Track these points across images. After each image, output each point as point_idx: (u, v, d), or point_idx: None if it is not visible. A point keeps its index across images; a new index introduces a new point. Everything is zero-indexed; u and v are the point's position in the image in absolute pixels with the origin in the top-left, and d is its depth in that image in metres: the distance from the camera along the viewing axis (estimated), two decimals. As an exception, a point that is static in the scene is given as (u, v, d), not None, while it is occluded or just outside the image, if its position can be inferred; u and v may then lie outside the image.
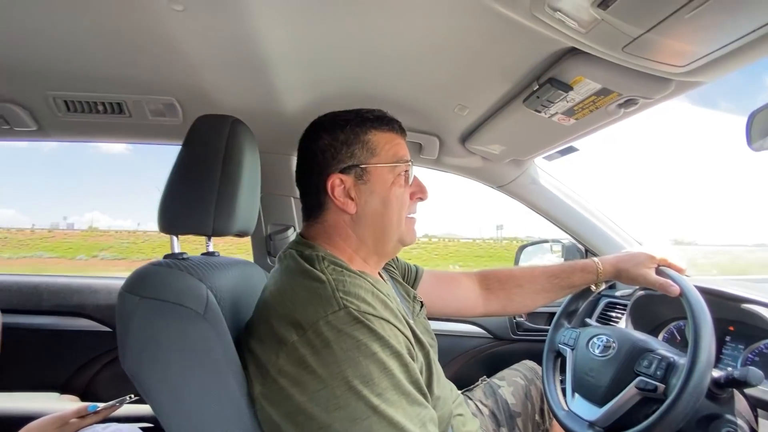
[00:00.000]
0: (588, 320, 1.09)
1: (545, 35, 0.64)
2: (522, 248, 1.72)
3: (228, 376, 0.56)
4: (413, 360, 0.57)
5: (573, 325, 1.05)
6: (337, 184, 0.66)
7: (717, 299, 0.91)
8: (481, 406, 0.99)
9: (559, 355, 1.01)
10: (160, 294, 0.56)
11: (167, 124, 1.12)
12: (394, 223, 0.69)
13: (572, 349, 0.96)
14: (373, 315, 0.54)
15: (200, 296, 0.57)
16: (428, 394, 0.56)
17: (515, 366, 1.13)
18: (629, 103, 0.76)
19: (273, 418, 0.52)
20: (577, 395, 0.91)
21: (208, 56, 0.86)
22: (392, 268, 0.91)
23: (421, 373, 0.59)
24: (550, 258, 1.57)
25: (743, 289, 0.92)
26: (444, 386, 0.67)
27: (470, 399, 1.00)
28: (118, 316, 0.57)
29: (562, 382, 0.97)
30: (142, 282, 0.58)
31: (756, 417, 0.79)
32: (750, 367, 0.71)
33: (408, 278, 0.96)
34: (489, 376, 1.10)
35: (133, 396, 0.97)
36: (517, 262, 1.66)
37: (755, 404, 0.80)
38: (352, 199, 0.67)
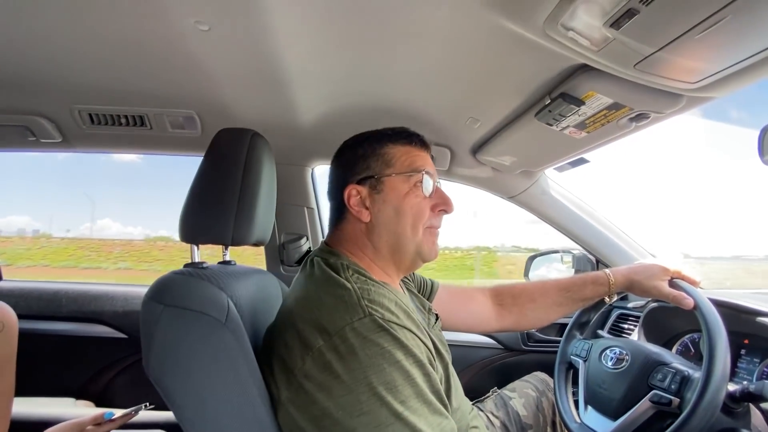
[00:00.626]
0: (600, 332, 1.09)
1: (557, 52, 0.66)
2: (532, 258, 1.70)
3: (249, 382, 0.57)
4: (434, 370, 0.58)
5: (585, 337, 1.05)
6: (354, 194, 0.70)
7: (731, 312, 0.91)
8: (492, 418, 0.98)
9: (571, 367, 1.01)
10: (183, 302, 0.58)
11: (186, 136, 1.16)
12: (408, 232, 0.69)
13: (584, 361, 0.96)
14: (396, 324, 0.55)
15: (221, 305, 0.59)
16: (449, 405, 0.57)
17: (526, 377, 1.12)
18: (640, 117, 0.77)
19: (298, 422, 0.53)
20: (590, 408, 0.90)
21: (229, 72, 0.89)
22: (408, 281, 0.92)
23: (441, 384, 0.60)
24: (559, 268, 1.56)
25: (758, 302, 0.92)
26: (461, 398, 0.68)
27: (481, 410, 1.00)
28: (142, 324, 0.59)
29: (575, 394, 0.97)
30: (165, 290, 0.60)
31: None
32: (766, 381, 0.71)
33: (423, 292, 0.96)
34: (500, 387, 1.09)
35: (149, 404, 0.98)
36: (527, 271, 1.65)
37: None
38: (367, 208, 0.69)
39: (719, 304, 0.85)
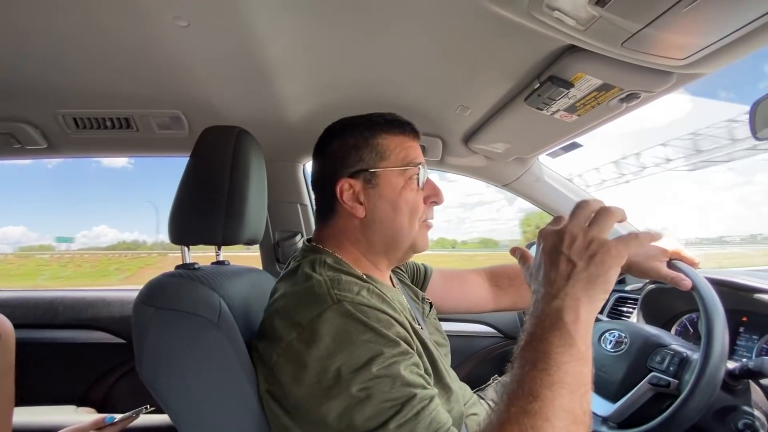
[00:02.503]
0: (599, 315, 1.09)
1: (544, 34, 0.65)
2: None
3: (243, 381, 0.57)
4: (413, 349, 0.56)
5: (584, 321, 1.05)
6: (346, 188, 0.67)
7: (729, 290, 0.90)
8: (494, 405, 0.98)
9: (572, 352, 1.01)
10: (175, 304, 0.57)
11: (174, 136, 1.14)
12: (405, 228, 0.68)
13: (584, 345, 0.96)
14: (367, 306, 0.54)
15: (213, 305, 0.58)
16: (428, 379, 0.55)
17: None
18: (631, 97, 0.76)
19: (276, 413, 0.54)
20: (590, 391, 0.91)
21: (212, 69, 0.88)
22: (400, 271, 0.92)
23: (429, 374, 0.59)
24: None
25: (755, 279, 0.92)
26: (456, 384, 0.67)
27: (483, 399, 1.00)
28: (134, 328, 0.58)
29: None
30: (156, 293, 0.59)
31: None
32: (765, 358, 0.71)
33: (417, 279, 0.96)
34: (501, 375, 1.09)
35: (149, 407, 0.98)
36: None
37: None
38: (361, 203, 0.67)
39: (717, 283, 0.85)
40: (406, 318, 0.62)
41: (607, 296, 0.49)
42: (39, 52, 0.82)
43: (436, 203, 0.72)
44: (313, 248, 0.70)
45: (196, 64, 0.85)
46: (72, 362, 1.32)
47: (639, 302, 1.16)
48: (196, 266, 0.69)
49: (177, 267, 0.69)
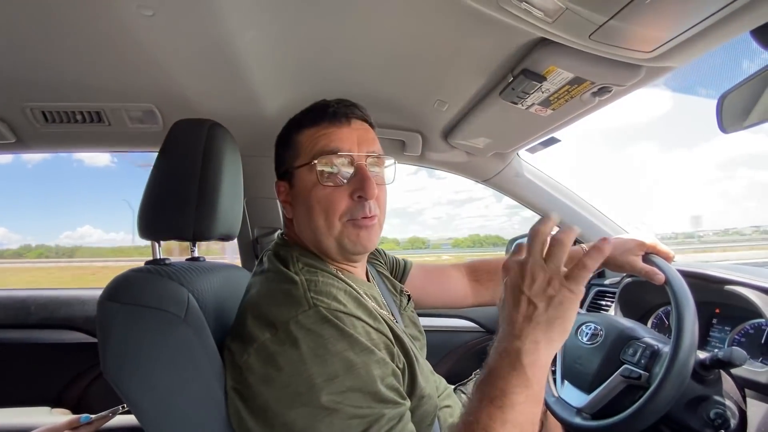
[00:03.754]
0: (578, 309, 1.10)
1: (515, 27, 0.64)
2: (513, 241, 1.72)
3: (211, 379, 0.56)
4: (392, 357, 0.57)
5: (563, 314, 1.06)
6: (281, 190, 0.70)
7: (701, 282, 0.92)
8: None
9: (550, 345, 1.01)
10: (140, 300, 0.56)
11: (148, 131, 1.12)
12: (322, 228, 0.63)
13: (561, 338, 0.97)
14: (343, 313, 0.54)
15: (180, 300, 0.57)
16: (402, 392, 0.56)
17: None
18: (603, 91, 0.77)
19: (241, 413, 0.52)
20: (566, 382, 0.92)
21: (183, 60, 0.86)
22: (379, 263, 0.91)
23: (404, 371, 0.59)
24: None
25: (727, 271, 0.93)
26: (429, 381, 0.67)
27: (463, 393, 1.00)
28: (98, 325, 0.57)
29: (554, 371, 0.98)
30: (121, 289, 0.58)
31: (744, 397, 0.80)
32: (734, 348, 0.72)
33: (396, 272, 0.96)
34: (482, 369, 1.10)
35: (125, 406, 0.96)
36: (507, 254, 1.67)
37: (743, 384, 0.80)
38: (291, 204, 0.69)
39: (690, 276, 0.86)
40: (381, 316, 0.62)
41: (565, 338, 0.51)
42: (4, 43, 0.80)
43: (363, 198, 0.62)
44: (284, 243, 0.70)
45: (166, 55, 0.83)
46: (46, 363, 1.29)
47: (617, 296, 1.17)
48: (166, 261, 0.68)
49: (147, 262, 0.68)
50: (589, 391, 0.83)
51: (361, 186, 0.62)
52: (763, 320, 0.85)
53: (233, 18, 0.72)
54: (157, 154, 0.70)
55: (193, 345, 0.56)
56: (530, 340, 0.49)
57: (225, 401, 0.55)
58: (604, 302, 1.30)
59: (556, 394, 0.91)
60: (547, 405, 0.91)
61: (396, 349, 0.59)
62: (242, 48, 0.81)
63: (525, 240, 1.59)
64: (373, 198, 0.62)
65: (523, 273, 0.51)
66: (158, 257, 0.69)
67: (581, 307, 1.26)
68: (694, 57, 0.65)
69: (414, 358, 0.62)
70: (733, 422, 0.75)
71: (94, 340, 1.30)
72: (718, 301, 0.97)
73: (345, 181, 0.63)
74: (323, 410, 0.48)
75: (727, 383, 0.79)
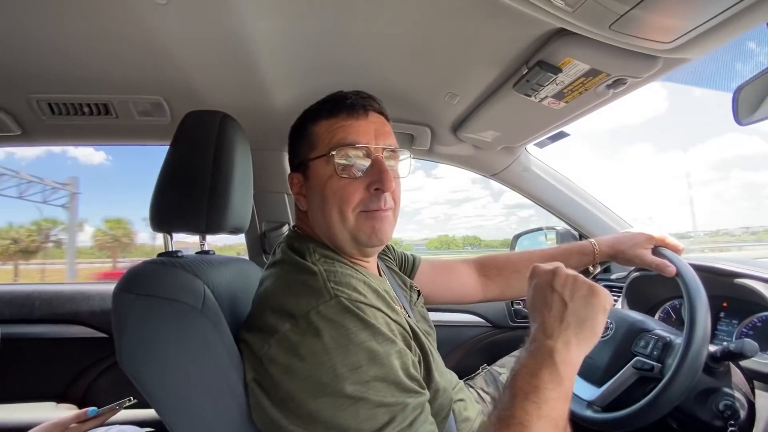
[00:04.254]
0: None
1: (533, 17, 0.64)
2: (517, 237, 1.73)
3: (230, 370, 0.56)
4: (410, 349, 0.57)
5: (571, 309, 1.06)
6: (294, 182, 0.69)
7: (710, 276, 0.92)
8: (483, 394, 0.99)
9: (559, 339, 1.02)
10: (155, 291, 0.56)
11: (155, 123, 1.11)
12: (336, 220, 0.62)
13: (570, 332, 0.97)
14: (364, 303, 0.54)
15: (197, 291, 0.57)
16: (422, 381, 0.56)
17: (515, 353, 1.13)
18: (618, 83, 0.77)
19: (263, 403, 0.52)
20: (577, 376, 0.92)
21: (194, 52, 0.85)
22: (389, 258, 0.91)
23: (420, 363, 0.59)
24: (544, 245, 1.58)
25: (735, 264, 0.94)
26: (444, 374, 0.67)
27: (472, 387, 1.01)
28: (114, 316, 0.56)
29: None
30: (137, 280, 0.57)
31: (752, 388, 0.80)
32: (745, 339, 0.72)
33: (405, 268, 0.96)
34: (489, 364, 1.10)
35: (133, 398, 0.96)
36: (512, 250, 1.67)
37: (751, 376, 0.81)
38: (305, 196, 0.68)
39: (699, 269, 0.86)
40: (398, 309, 0.62)
41: (596, 340, 0.55)
42: (10, 34, 0.79)
43: (380, 190, 0.62)
44: (298, 236, 0.69)
45: (177, 46, 0.83)
46: (51, 358, 1.29)
47: (624, 290, 1.18)
48: (179, 254, 0.68)
49: (159, 255, 0.67)
50: (600, 384, 0.84)
51: (379, 178, 0.61)
52: (770, 313, 0.86)
53: (247, 8, 0.72)
54: (163, 147, 0.69)
55: (211, 336, 0.56)
56: (562, 341, 0.52)
57: (244, 393, 0.55)
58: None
59: None
60: None
61: (412, 342, 0.59)
62: (254, 39, 0.81)
63: (528, 235, 1.59)
64: (390, 190, 0.62)
65: (555, 272, 0.57)
66: (171, 249, 0.69)
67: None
68: (711, 49, 0.65)
69: (429, 352, 0.62)
70: (742, 413, 0.75)
71: (100, 334, 1.30)
72: (725, 295, 0.97)
73: (361, 173, 0.62)
74: (348, 399, 0.48)
75: (736, 375, 0.79)
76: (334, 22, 0.77)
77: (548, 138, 1.19)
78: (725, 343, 0.77)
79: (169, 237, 0.70)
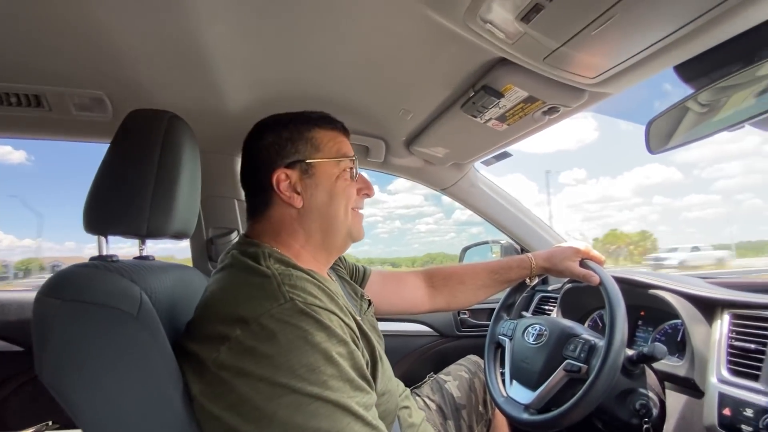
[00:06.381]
0: (525, 313, 1.18)
1: (479, 45, 0.70)
2: (465, 249, 1.81)
3: (167, 381, 0.53)
4: (360, 351, 0.58)
5: (511, 318, 1.13)
6: (283, 178, 0.67)
7: (629, 287, 1.03)
8: (428, 402, 1.01)
9: (500, 346, 1.07)
10: (85, 296, 0.51)
11: (94, 120, 1.04)
12: (341, 214, 0.70)
13: (510, 339, 1.03)
14: (319, 307, 0.55)
15: (133, 297, 0.53)
16: (372, 382, 0.58)
17: (460, 361, 1.18)
18: (552, 110, 0.85)
19: (214, 413, 0.50)
20: (515, 382, 0.97)
21: (143, 48, 0.81)
22: (340, 267, 0.92)
23: (367, 366, 0.60)
24: (490, 258, 1.66)
25: (650, 277, 1.05)
26: (391, 381, 0.69)
27: (418, 395, 1.03)
28: (34, 323, 0.51)
29: (503, 372, 1.03)
30: (64, 284, 0.53)
31: (663, 389, 0.90)
32: (656, 344, 0.81)
33: (356, 278, 0.97)
34: (436, 372, 1.13)
35: (51, 423, 0.87)
36: (460, 261, 1.74)
37: (663, 378, 0.90)
38: (298, 193, 0.68)
39: (619, 280, 0.96)
40: (351, 313, 0.63)
41: None
42: None
43: (368, 195, 0.76)
44: (250, 242, 0.68)
45: (124, 40, 0.79)
46: None
47: (558, 300, 1.27)
48: (113, 258, 0.63)
49: (91, 258, 0.63)
50: (535, 388, 0.89)
51: (368, 186, 0.76)
52: (679, 320, 0.97)
53: (203, 9, 0.71)
54: (103, 145, 0.65)
55: (147, 345, 0.53)
56: None
57: (185, 409, 0.53)
58: (547, 306, 1.40)
59: (504, 394, 0.96)
60: (496, 405, 0.95)
61: (361, 344, 0.60)
62: (209, 41, 0.79)
63: (475, 248, 1.67)
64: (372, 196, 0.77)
65: None
66: (104, 254, 0.65)
67: (527, 310, 1.35)
68: (628, 86, 0.74)
69: (378, 357, 0.63)
70: (655, 411, 0.83)
71: (15, 348, 1.17)
72: (642, 304, 1.08)
73: (354, 179, 0.73)
74: (307, 399, 0.48)
75: (650, 377, 0.88)
76: (294, 33, 0.78)
77: (493, 157, 1.27)
78: (641, 348, 0.86)
79: (104, 240, 0.65)
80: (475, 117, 0.92)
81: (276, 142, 0.69)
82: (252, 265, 0.59)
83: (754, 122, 0.65)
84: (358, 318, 0.66)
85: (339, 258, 0.94)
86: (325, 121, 0.73)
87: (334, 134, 0.72)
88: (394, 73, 0.90)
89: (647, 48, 0.60)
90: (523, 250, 1.50)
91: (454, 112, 0.96)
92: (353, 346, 0.55)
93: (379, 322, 0.87)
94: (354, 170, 0.73)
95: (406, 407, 0.82)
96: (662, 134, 0.80)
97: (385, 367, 0.69)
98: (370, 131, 1.18)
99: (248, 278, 0.58)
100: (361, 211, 0.76)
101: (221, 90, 0.98)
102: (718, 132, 0.71)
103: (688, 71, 0.69)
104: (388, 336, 0.87)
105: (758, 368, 0.79)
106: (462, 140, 1.12)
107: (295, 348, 0.50)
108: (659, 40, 0.58)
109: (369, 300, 0.87)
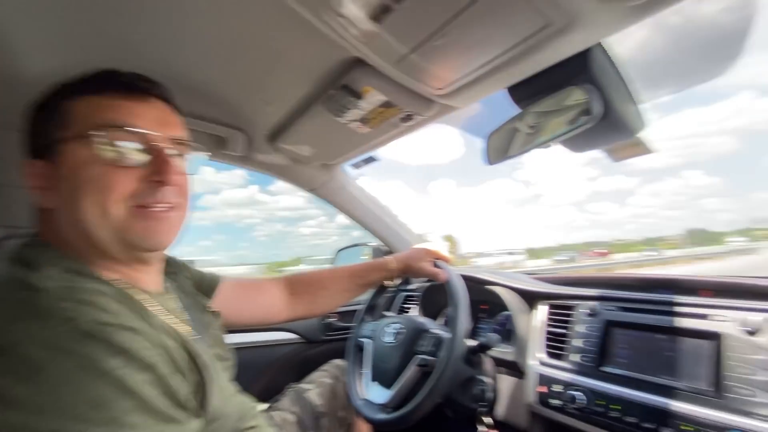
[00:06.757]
0: (387, 313, 1.21)
1: (336, 41, 0.67)
2: (339, 251, 1.80)
3: None
4: (179, 373, 0.49)
5: (374, 319, 1.14)
6: (34, 172, 0.53)
7: (473, 284, 1.15)
8: (288, 415, 0.95)
9: (362, 349, 1.07)
10: None
11: None
12: (93, 215, 0.51)
13: (371, 340, 1.04)
14: (113, 325, 0.44)
15: None
16: (195, 409, 0.50)
17: (324, 366, 1.14)
18: (408, 118, 0.88)
19: None
20: (375, 383, 0.98)
21: None
22: (183, 276, 0.79)
23: (194, 391, 0.52)
24: (362, 260, 1.69)
25: (488, 274, 1.19)
26: (229, 403, 0.60)
27: (278, 410, 0.96)
28: None
29: (363, 374, 1.03)
30: None
31: (497, 374, 1.01)
32: (490, 333, 0.91)
33: (202, 287, 0.85)
34: (298, 381, 1.08)
35: None
36: (334, 264, 1.73)
37: (498, 363, 1.02)
38: (50, 189, 0.52)
39: (465, 278, 1.06)
40: (174, 330, 0.53)
41: None
42: None
43: (162, 183, 0.53)
44: (35, 244, 0.52)
45: None
46: None
47: (419, 299, 1.35)
48: None
49: None
50: (391, 387, 0.91)
51: (159, 169, 0.53)
52: (509, 312, 1.12)
53: None
54: None
55: None
56: None
57: None
58: (409, 306, 1.48)
59: (363, 396, 0.96)
60: (355, 408, 0.95)
61: (185, 366, 0.51)
62: None
63: (349, 250, 1.66)
64: (172, 184, 0.54)
65: None
66: None
67: (390, 309, 1.40)
68: (474, 100, 0.81)
69: (211, 378, 0.55)
70: (490, 396, 0.94)
71: None
72: (485, 299, 1.22)
73: (135, 164, 0.52)
74: None
75: (488, 364, 0.98)
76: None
77: (362, 161, 1.28)
78: (480, 338, 0.95)
79: None
80: (338, 117, 0.90)
81: (31, 124, 0.55)
82: (16, 277, 0.45)
83: (562, 141, 0.78)
84: (185, 336, 0.57)
85: (181, 265, 0.81)
86: (93, 82, 0.53)
87: (99, 99, 0.52)
88: (250, 59, 0.81)
89: (483, 65, 0.66)
90: (390, 253, 1.55)
91: (318, 110, 0.92)
92: (165, 370, 0.46)
93: (237, 334, 0.78)
94: (125, 145, 0.51)
95: (252, 427, 0.74)
96: (500, 146, 0.89)
97: (223, 388, 0.60)
98: (227, 120, 1.06)
99: (10, 293, 0.44)
100: (161, 206, 0.54)
101: (15, 48, 0.74)
102: (539, 146, 0.81)
103: (519, 93, 0.79)
104: (247, 348, 0.78)
105: (566, 349, 0.95)
106: (327, 140, 1.09)
107: (72, 382, 0.39)
108: (492, 59, 0.64)
109: (216, 312, 0.77)
